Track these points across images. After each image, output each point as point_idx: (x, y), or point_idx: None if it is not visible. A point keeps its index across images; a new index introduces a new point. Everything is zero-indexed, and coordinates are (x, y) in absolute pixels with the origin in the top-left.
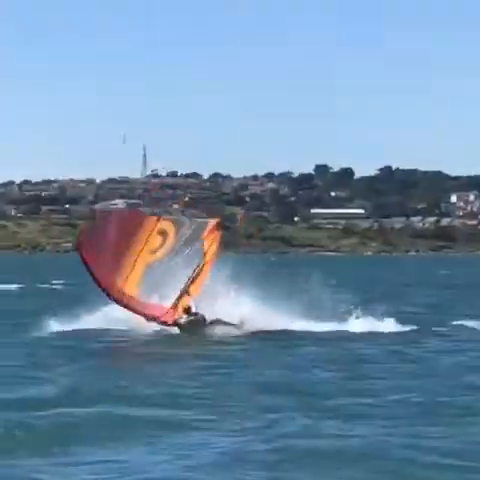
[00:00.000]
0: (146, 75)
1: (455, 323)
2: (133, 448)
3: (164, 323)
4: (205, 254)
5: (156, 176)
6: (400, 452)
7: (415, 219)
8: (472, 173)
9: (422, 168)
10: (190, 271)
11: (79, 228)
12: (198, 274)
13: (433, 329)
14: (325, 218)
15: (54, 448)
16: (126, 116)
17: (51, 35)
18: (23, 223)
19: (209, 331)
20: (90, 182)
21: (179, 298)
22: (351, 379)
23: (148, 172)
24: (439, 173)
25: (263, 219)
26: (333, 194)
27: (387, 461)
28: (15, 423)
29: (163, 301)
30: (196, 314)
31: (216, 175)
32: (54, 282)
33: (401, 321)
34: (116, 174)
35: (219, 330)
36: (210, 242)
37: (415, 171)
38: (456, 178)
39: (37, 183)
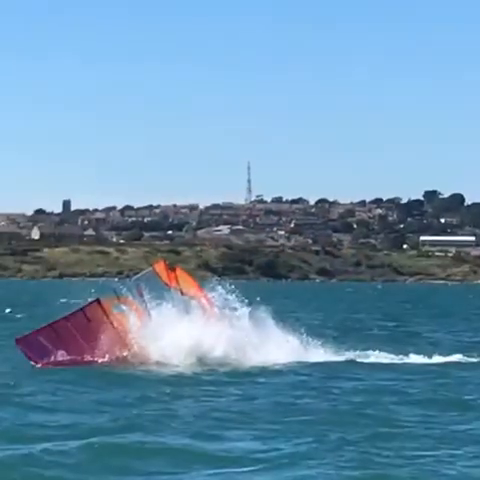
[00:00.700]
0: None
1: None
2: None
3: None
4: (182, 292)
5: (261, 202)
6: None
7: None
8: None
9: None
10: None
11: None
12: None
13: None
14: (435, 245)
15: None
16: (230, 140)
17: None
18: (124, 249)
19: None
20: (193, 208)
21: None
22: None
23: (253, 198)
24: None
25: (371, 246)
26: (443, 221)
27: None
28: None
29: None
30: None
31: (322, 201)
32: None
33: None
34: (220, 200)
35: None
36: (177, 280)
37: None
38: None
39: (139, 208)
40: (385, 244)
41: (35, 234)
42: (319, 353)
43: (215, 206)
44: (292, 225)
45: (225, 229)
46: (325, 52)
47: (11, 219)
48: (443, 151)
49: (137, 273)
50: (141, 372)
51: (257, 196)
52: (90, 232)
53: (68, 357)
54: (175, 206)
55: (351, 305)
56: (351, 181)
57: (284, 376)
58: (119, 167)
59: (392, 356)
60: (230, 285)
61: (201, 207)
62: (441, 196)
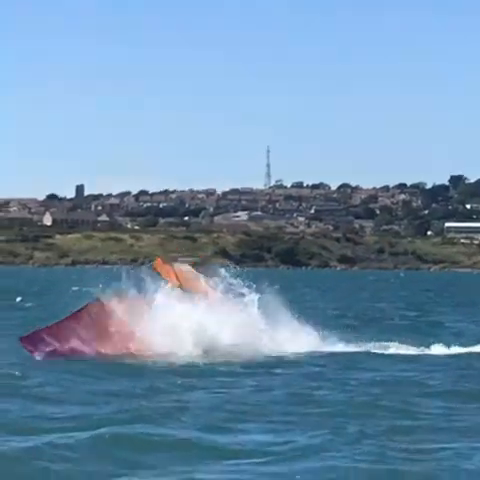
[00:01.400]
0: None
1: None
2: None
3: None
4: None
5: (280, 187)
6: None
7: None
8: None
9: None
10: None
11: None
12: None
13: None
14: (460, 232)
15: None
16: (249, 123)
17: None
18: (139, 236)
19: None
20: (210, 193)
21: None
22: None
23: (272, 183)
24: None
25: (394, 233)
26: (469, 206)
27: None
28: None
29: None
30: None
31: (344, 186)
32: None
33: None
34: (238, 185)
35: None
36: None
37: None
38: None
39: (154, 194)
40: (409, 231)
41: (47, 220)
42: (337, 343)
43: (233, 191)
44: (312, 211)
45: (243, 215)
46: (342, 37)
47: (22, 204)
48: (470, 135)
49: (152, 261)
50: (150, 362)
51: (276, 181)
52: (104, 218)
53: (76, 349)
54: (192, 191)
55: (373, 294)
56: (374, 166)
57: (300, 367)
58: (134, 151)
59: (413, 347)
60: (235, 269)
61: (218, 192)
62: (467, 181)
